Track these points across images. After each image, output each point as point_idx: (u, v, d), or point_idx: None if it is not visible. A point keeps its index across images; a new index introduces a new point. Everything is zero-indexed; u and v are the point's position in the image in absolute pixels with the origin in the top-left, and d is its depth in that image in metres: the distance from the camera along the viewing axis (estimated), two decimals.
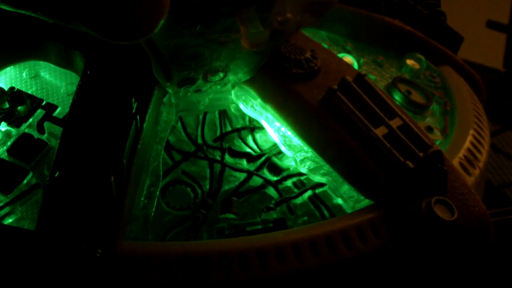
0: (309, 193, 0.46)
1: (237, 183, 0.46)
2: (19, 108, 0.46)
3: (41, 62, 0.50)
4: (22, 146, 0.45)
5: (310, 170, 0.46)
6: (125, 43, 0.38)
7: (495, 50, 1.21)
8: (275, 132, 0.47)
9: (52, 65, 0.49)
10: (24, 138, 0.45)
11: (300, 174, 0.47)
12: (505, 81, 1.05)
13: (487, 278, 0.62)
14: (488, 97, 0.63)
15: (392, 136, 0.43)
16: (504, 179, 0.85)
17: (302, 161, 0.46)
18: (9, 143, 0.45)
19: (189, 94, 0.47)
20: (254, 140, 0.49)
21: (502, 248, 0.64)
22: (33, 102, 0.47)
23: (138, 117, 0.42)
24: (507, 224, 0.67)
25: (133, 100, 0.43)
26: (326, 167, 0.45)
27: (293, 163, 0.47)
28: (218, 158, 0.47)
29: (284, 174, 0.47)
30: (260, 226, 0.44)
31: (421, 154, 0.42)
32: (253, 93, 0.48)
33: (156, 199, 0.43)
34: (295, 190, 0.46)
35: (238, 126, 0.49)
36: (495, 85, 1.04)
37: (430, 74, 0.56)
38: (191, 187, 0.45)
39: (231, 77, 0.47)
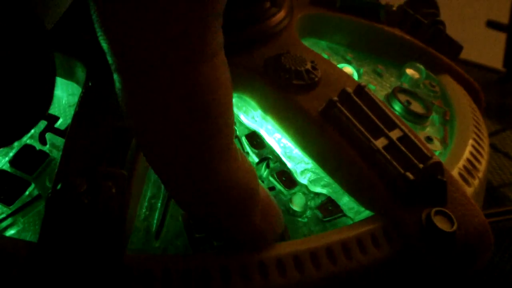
0: None
1: None
2: None
3: None
4: (23, 157, 0.45)
5: (310, 181, 0.46)
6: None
7: (495, 50, 1.21)
8: (276, 143, 0.47)
9: None
10: (25, 149, 0.45)
11: None
12: (505, 81, 1.05)
13: (487, 278, 0.62)
14: (488, 97, 0.63)
15: (392, 147, 0.43)
16: (504, 179, 0.85)
17: (302, 172, 0.46)
18: (11, 154, 0.45)
19: None
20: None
21: (502, 248, 0.64)
22: None
23: None
24: (507, 224, 0.67)
25: None
26: (327, 179, 0.45)
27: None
28: None
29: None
30: None
31: (421, 166, 0.42)
32: (253, 104, 0.48)
33: (158, 210, 0.43)
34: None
35: None
36: (495, 85, 1.04)
37: (429, 83, 0.57)
38: None
39: None
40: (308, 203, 0.44)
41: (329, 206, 0.44)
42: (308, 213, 0.44)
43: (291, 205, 0.44)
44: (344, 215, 0.44)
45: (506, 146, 0.91)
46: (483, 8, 1.48)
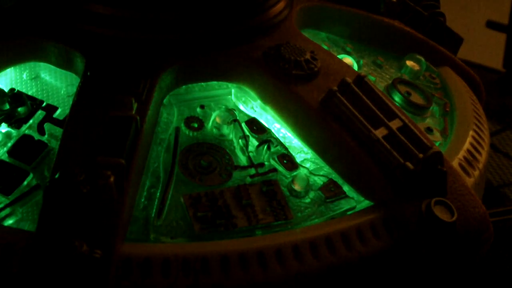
0: None
1: None
2: (19, 109, 0.46)
3: (42, 64, 0.50)
4: (22, 148, 0.45)
5: (310, 171, 0.46)
6: None
7: (495, 50, 1.21)
8: (275, 133, 0.47)
9: (52, 67, 0.49)
10: (24, 140, 0.45)
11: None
12: (505, 81, 1.06)
13: (487, 278, 0.62)
14: (488, 97, 0.63)
15: (391, 137, 0.43)
16: (504, 179, 0.85)
17: (302, 162, 0.46)
18: (9, 145, 0.45)
19: None
20: None
21: (502, 248, 0.64)
22: (34, 103, 0.47)
23: (138, 118, 0.42)
24: (507, 224, 0.67)
25: (133, 101, 0.43)
26: (326, 168, 0.45)
27: None
28: None
29: None
30: None
31: (420, 155, 0.42)
32: (253, 94, 0.48)
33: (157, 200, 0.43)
34: None
35: None
36: (495, 85, 1.05)
37: (429, 75, 0.56)
38: None
39: None
40: (311, 184, 0.44)
41: (331, 188, 0.44)
42: (311, 194, 0.44)
43: (293, 186, 0.44)
44: (347, 196, 0.44)
45: (506, 146, 0.92)
46: (483, 8, 1.49)
